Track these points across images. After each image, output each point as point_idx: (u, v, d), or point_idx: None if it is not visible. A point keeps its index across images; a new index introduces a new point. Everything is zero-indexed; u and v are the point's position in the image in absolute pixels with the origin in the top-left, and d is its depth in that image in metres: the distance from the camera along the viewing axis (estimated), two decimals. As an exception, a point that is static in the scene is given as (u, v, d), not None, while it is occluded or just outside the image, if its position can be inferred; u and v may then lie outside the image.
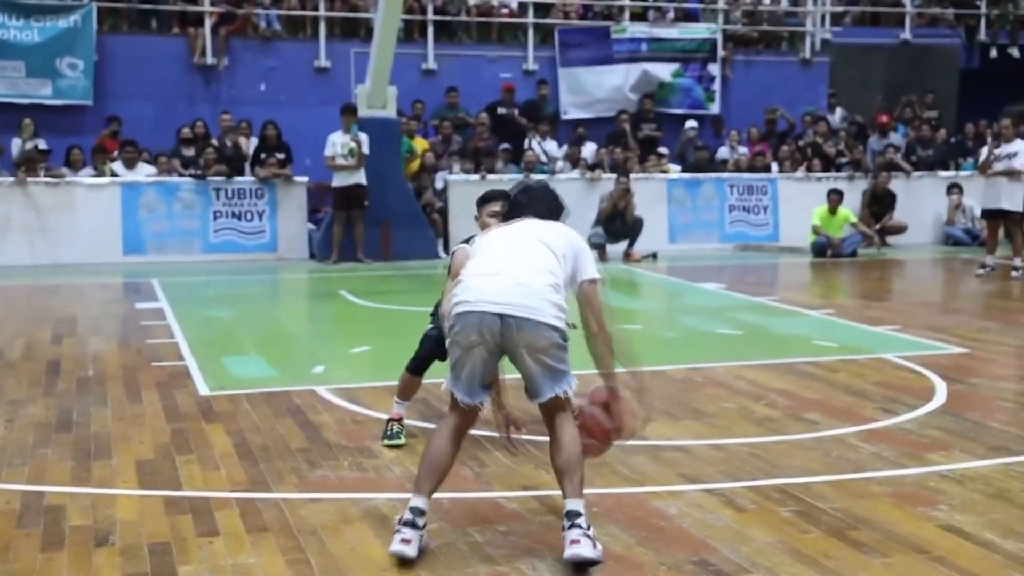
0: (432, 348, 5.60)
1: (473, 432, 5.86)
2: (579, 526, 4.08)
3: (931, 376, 7.37)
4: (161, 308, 10.27)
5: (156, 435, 5.92)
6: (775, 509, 4.77)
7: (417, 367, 5.63)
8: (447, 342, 4.43)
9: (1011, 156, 12.52)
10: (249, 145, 14.97)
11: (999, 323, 9.89)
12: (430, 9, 16.92)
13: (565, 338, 4.29)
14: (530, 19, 17.55)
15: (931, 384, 7.17)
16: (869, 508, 4.78)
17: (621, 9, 18.16)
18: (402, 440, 5.70)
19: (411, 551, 4.11)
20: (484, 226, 5.18)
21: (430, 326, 5.65)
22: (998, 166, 12.58)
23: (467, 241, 5.17)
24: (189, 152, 14.61)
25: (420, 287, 12.72)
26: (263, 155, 14.51)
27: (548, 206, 4.64)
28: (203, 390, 6.98)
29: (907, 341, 8.72)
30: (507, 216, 4.73)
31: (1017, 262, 12.65)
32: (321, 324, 10.54)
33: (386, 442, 5.64)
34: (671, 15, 18.42)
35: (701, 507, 4.81)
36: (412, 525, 4.15)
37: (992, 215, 12.87)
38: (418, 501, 4.21)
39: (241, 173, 14.53)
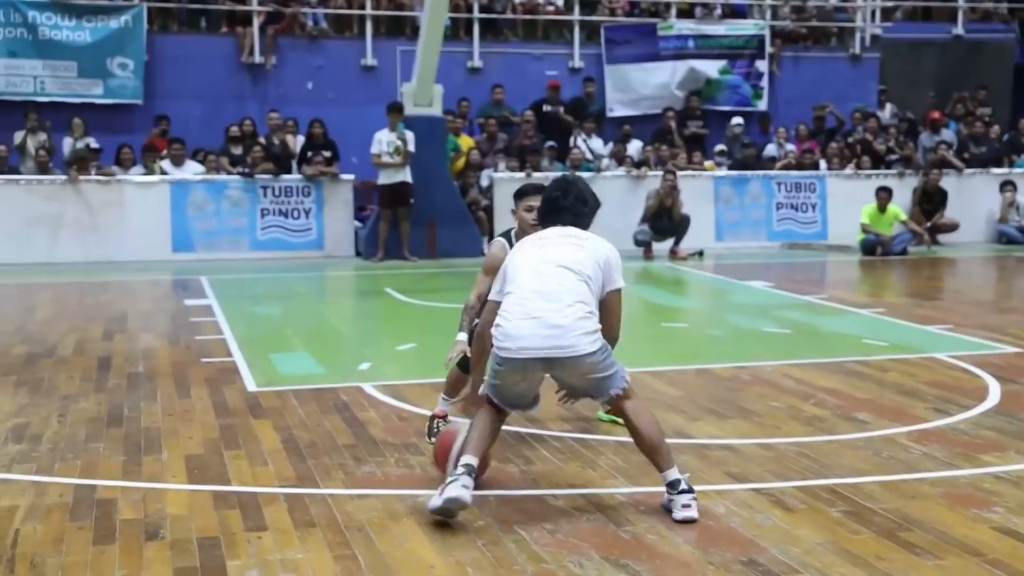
0: None
1: (520, 429, 5.88)
2: (685, 491, 4.55)
3: (984, 376, 7.26)
4: (210, 305, 10.38)
5: (205, 431, 5.98)
6: (825, 509, 4.72)
7: (467, 365, 5.51)
8: (491, 367, 4.68)
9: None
10: (296, 143, 15.07)
11: (1054, 322, 9.72)
12: (476, 7, 16.95)
13: (605, 348, 4.63)
14: (576, 16, 17.51)
15: (984, 384, 7.06)
16: (921, 509, 4.71)
17: (668, 5, 18.05)
18: None
19: (468, 497, 4.39)
20: (522, 220, 5.38)
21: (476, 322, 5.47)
22: None
23: (505, 235, 5.43)
24: (237, 150, 14.73)
25: (466, 285, 12.64)
26: (310, 153, 14.60)
27: (584, 204, 4.89)
28: (251, 386, 7.03)
29: (959, 340, 8.59)
30: (543, 215, 4.93)
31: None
32: (367, 322, 10.59)
33: (431, 440, 5.59)
34: (718, 11, 18.28)
35: (749, 506, 4.77)
36: (469, 474, 4.44)
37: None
38: (471, 459, 4.50)
39: (288, 171, 14.64)
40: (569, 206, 4.83)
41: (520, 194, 5.43)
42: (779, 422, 6.22)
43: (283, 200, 14.39)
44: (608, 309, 4.73)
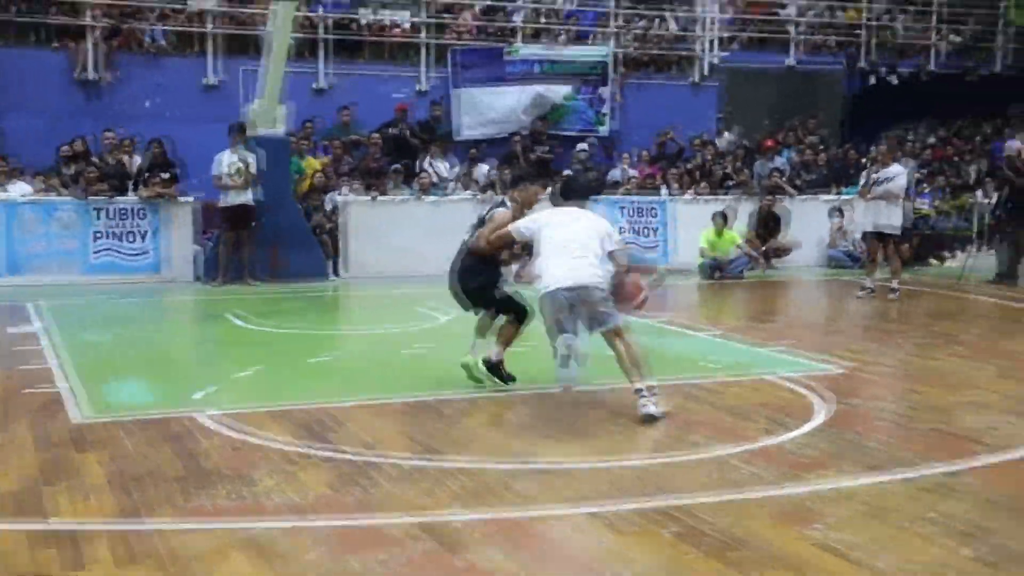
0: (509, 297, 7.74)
1: (358, 458, 5.81)
2: (646, 395, 6.78)
3: (813, 396, 7.55)
4: (35, 332, 9.93)
5: (22, 466, 5.70)
6: (657, 531, 4.81)
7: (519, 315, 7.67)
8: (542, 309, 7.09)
9: (889, 180, 12.92)
10: (134, 163, 14.61)
11: (878, 344, 10.20)
12: (323, 27, 16.78)
13: (606, 291, 7.03)
14: (424, 38, 17.55)
15: (813, 403, 7.33)
16: (748, 528, 4.85)
17: (514, 30, 18.27)
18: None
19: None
20: (526, 203, 7.68)
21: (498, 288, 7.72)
22: (877, 190, 12.97)
23: (501, 205, 7.76)
24: (70, 170, 14.17)
25: (309, 308, 12.58)
26: (148, 174, 14.17)
27: (588, 191, 8.44)
28: (77, 417, 6.75)
29: (791, 361, 8.91)
30: (564, 195, 7.62)
31: (895, 284, 13.04)
32: (205, 347, 10.31)
33: (506, 382, 7.65)
34: (563, 37, 18.60)
35: (584, 530, 4.82)
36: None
37: (872, 237, 13.26)
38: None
39: (125, 192, 14.17)
40: (579, 193, 7.70)
41: (518, 180, 8.00)
42: (617, 444, 6.33)
43: (118, 223, 13.89)
44: (615, 259, 7.25)
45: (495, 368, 7.70)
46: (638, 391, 6.83)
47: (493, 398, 7.51)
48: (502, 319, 7.73)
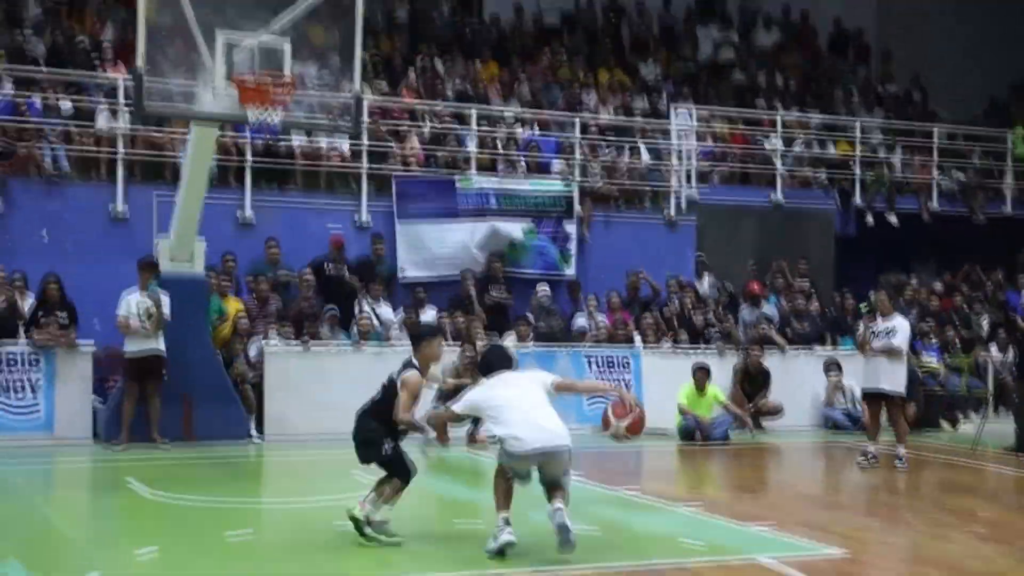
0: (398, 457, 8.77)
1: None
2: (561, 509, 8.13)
3: (808, 582, 7.54)
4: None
5: None
6: None
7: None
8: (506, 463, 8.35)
9: (890, 332, 13.14)
10: (25, 304, 14.56)
11: (883, 520, 10.25)
12: (248, 151, 17.03)
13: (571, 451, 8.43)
14: (364, 166, 17.81)
15: (809, 592, 7.32)
16: None
17: (467, 159, 18.64)
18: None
19: (515, 538, 8.13)
20: (432, 354, 8.94)
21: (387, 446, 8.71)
22: (876, 344, 13.19)
23: (410, 366, 8.76)
24: (-52, 310, 14.11)
25: (226, 476, 12.43)
26: (41, 315, 14.11)
27: (511, 363, 8.95)
28: (-55, 608, 6.56)
29: (782, 541, 8.92)
30: (494, 366, 8.77)
31: (901, 451, 13.15)
32: (101, 522, 10.12)
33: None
34: (523, 166, 19.01)
35: None
36: (508, 524, 8.21)
37: (873, 397, 13.41)
38: (506, 513, 8.29)
39: (14, 336, 14.07)
40: (505, 365, 8.83)
41: (427, 334, 9.23)
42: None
43: (4, 372, 13.77)
44: (566, 387, 9.26)
45: (359, 524, 8.59)
46: (558, 508, 8.20)
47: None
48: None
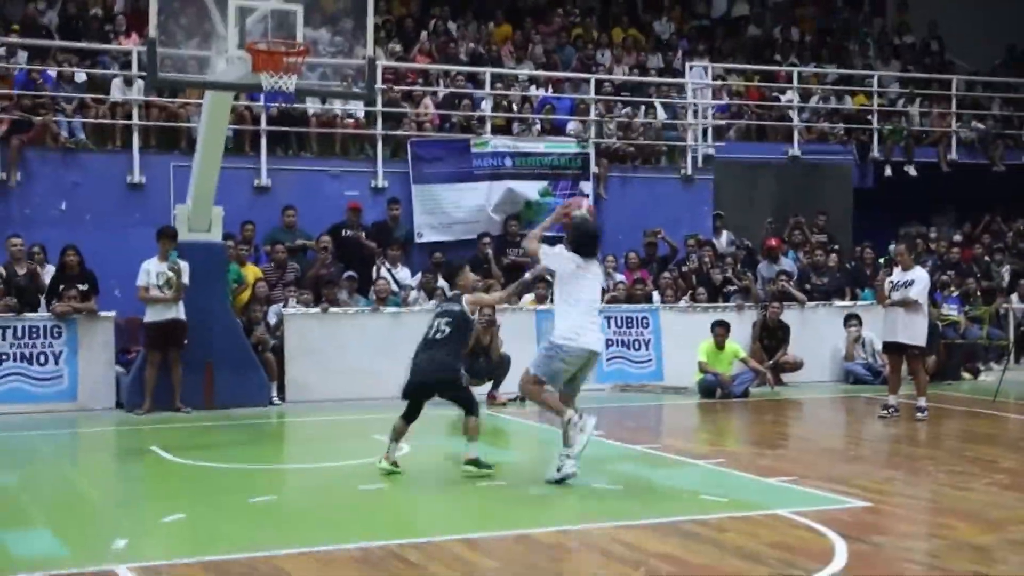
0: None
1: None
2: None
3: (830, 534, 7.55)
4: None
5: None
6: None
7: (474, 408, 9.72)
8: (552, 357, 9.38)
9: (908, 284, 13.11)
10: (46, 274, 14.63)
11: (904, 472, 10.25)
12: (263, 118, 17.03)
13: None
14: (379, 130, 17.78)
15: (831, 543, 7.33)
16: None
17: (482, 120, 18.58)
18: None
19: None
20: (465, 288, 10.00)
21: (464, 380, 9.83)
22: (895, 296, 13.16)
23: (456, 300, 9.86)
24: (-31, 284, 14.18)
25: (248, 439, 12.51)
26: (61, 286, 14.18)
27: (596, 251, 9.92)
28: (-25, 574, 6.64)
29: (804, 494, 8.93)
30: (576, 244, 9.51)
31: (921, 402, 13.13)
32: (127, 488, 10.19)
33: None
34: (537, 127, 18.94)
35: None
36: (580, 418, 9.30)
37: (892, 349, 13.39)
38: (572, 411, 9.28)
39: (35, 308, 14.15)
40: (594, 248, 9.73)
41: (460, 265, 10.41)
42: (608, 596, 6.29)
43: (26, 343, 13.84)
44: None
45: (478, 462, 9.52)
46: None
47: (464, 540, 7.45)
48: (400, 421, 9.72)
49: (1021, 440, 12.82)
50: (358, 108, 17.91)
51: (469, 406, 9.62)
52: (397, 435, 9.73)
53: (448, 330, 9.58)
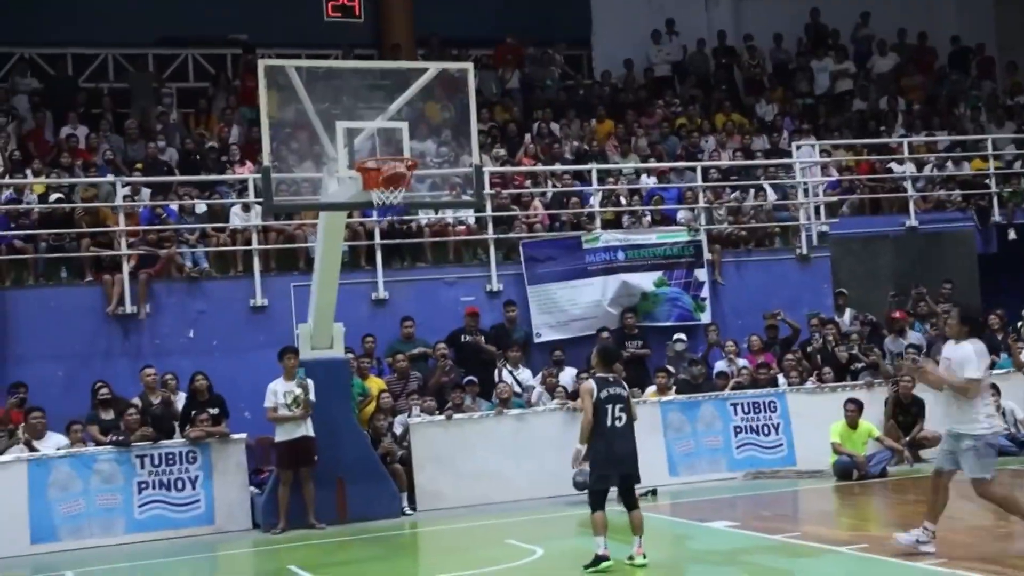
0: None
1: None
2: None
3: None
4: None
5: None
6: None
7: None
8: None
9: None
10: (178, 401, 14.96)
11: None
12: (377, 232, 17.32)
13: None
14: (490, 235, 17.94)
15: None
16: None
17: (591, 216, 18.64)
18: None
19: None
20: None
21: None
22: None
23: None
24: (108, 416, 14.54)
25: (385, 553, 12.51)
26: (193, 412, 14.48)
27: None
28: None
29: (962, 578, 8.57)
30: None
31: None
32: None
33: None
34: (647, 219, 18.93)
35: None
36: None
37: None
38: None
39: (170, 435, 14.45)
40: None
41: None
42: None
43: (164, 470, 14.10)
44: None
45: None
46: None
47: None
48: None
49: None
50: (469, 215, 18.12)
51: (636, 499, 10.06)
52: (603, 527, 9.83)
53: (625, 417, 9.85)
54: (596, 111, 22.29)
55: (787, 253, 19.27)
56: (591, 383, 9.91)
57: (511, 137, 20.81)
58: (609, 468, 9.71)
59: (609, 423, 9.69)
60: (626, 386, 10.07)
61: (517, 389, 15.96)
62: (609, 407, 9.70)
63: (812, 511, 13.81)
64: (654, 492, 14.46)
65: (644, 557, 9.79)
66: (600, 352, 10.44)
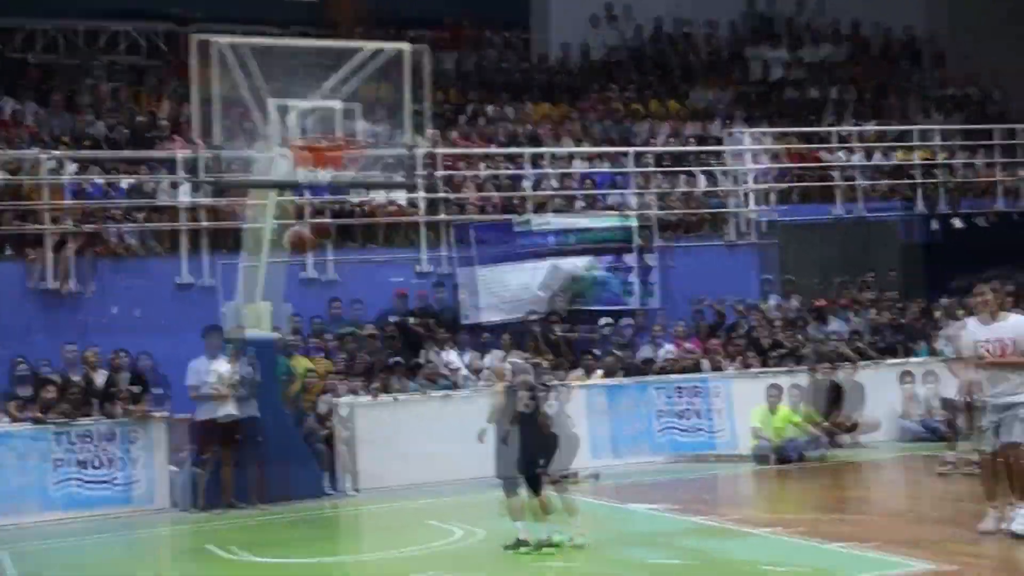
0: None
1: None
2: None
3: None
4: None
5: None
6: None
7: None
8: None
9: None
10: (98, 378, 14.67)
11: (970, 530, 9.83)
12: (308, 212, 17.08)
13: None
14: (422, 216, 17.81)
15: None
16: None
17: (524, 199, 18.54)
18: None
19: None
20: None
21: None
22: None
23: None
24: (25, 392, 14.20)
25: (303, 533, 12.35)
26: (114, 389, 14.20)
27: None
28: None
29: (866, 559, 8.61)
30: None
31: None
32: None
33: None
34: (581, 203, 18.86)
35: None
36: None
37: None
38: None
39: (89, 412, 14.16)
40: None
41: None
42: None
43: (82, 447, 13.80)
44: None
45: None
46: None
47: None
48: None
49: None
50: (400, 195, 17.94)
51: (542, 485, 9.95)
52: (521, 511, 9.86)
53: (535, 404, 9.86)
54: (531, 95, 22.17)
55: (718, 240, 19.36)
56: (506, 367, 9.90)
57: (446, 119, 20.61)
58: (516, 455, 9.61)
59: (520, 408, 9.62)
60: (544, 373, 9.96)
61: (444, 370, 15.83)
62: (521, 393, 9.63)
63: (731, 494, 13.88)
64: (597, 476, 14.33)
65: (571, 540, 9.76)
66: (517, 336, 10.49)
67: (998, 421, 9.46)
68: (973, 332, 9.91)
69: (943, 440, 13.86)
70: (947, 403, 13.51)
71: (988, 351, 9.60)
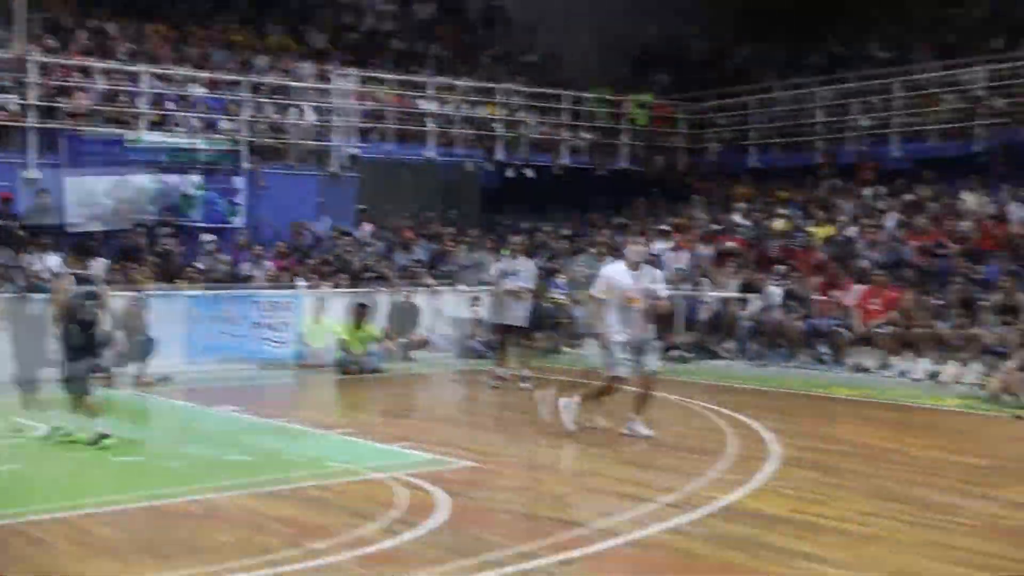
0: None
1: None
2: None
3: (437, 491, 7.68)
4: None
5: None
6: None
7: None
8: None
9: (514, 274, 13.58)
10: None
11: (506, 435, 10.57)
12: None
13: None
14: (33, 123, 16.58)
15: (437, 500, 7.46)
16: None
17: (137, 116, 17.68)
18: None
19: None
20: None
21: None
22: (505, 284, 13.55)
23: None
24: None
25: None
26: None
27: None
28: None
29: (418, 457, 9.05)
30: None
31: (525, 373, 13.64)
32: None
33: None
34: (193, 124, 18.24)
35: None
36: None
37: (502, 329, 13.85)
38: None
39: None
40: None
41: None
42: (224, 557, 6.12)
43: None
44: None
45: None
46: None
47: (88, 514, 7.06)
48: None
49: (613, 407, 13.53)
50: (11, 100, 16.60)
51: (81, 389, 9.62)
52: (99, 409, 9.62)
53: (97, 312, 9.64)
54: (153, 16, 21.07)
55: (320, 170, 19.36)
56: (65, 279, 9.63)
57: (65, 31, 19.22)
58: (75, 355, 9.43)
59: (80, 317, 9.42)
60: (100, 283, 10.05)
61: (45, 274, 14.89)
62: (80, 302, 9.42)
63: (311, 399, 14.06)
64: (166, 378, 13.99)
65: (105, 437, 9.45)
66: (75, 248, 10.21)
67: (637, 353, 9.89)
68: (621, 277, 9.97)
69: (495, 359, 14.62)
70: (493, 326, 14.38)
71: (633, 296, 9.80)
